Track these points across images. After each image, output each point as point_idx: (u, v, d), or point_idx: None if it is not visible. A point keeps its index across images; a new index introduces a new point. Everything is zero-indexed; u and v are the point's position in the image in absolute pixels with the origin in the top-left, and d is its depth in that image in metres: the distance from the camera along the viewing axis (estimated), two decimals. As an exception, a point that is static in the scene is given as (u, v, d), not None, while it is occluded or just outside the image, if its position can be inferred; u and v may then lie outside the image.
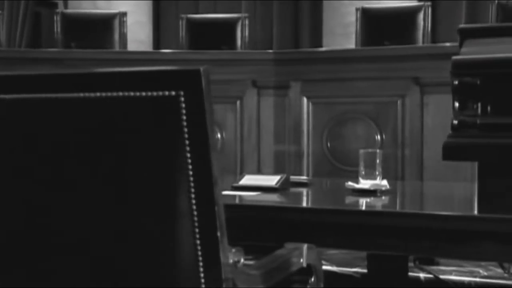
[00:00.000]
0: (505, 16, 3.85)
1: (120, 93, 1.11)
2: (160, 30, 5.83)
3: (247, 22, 4.47)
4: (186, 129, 1.10)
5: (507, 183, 1.48)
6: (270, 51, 3.84)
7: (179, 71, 1.10)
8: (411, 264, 2.47)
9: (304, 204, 1.79)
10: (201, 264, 1.14)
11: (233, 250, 1.18)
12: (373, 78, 3.41)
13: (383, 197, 1.79)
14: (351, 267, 2.59)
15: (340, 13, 5.01)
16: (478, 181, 1.51)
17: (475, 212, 1.55)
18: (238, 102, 3.59)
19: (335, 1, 5.06)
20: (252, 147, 3.58)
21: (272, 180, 1.94)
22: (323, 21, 5.25)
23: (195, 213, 1.12)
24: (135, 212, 1.15)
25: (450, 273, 2.47)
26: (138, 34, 5.37)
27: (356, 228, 1.54)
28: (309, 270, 1.49)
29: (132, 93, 1.11)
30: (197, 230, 1.13)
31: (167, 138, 1.12)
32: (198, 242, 1.13)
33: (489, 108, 1.47)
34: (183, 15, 4.54)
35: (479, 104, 1.46)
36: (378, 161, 1.89)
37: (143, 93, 1.10)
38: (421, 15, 4.16)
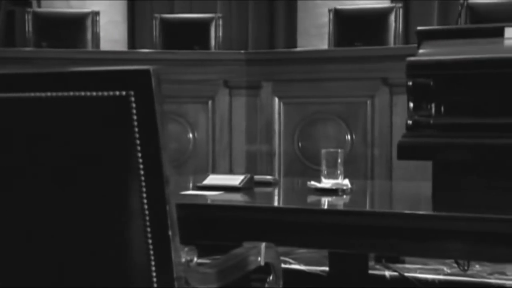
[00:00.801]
0: (474, 17, 3.91)
1: (71, 93, 1.11)
2: (135, 30, 5.81)
3: (221, 22, 4.47)
4: (136, 129, 1.11)
5: (460, 181, 1.51)
6: (242, 51, 3.85)
7: (129, 71, 1.10)
8: (371, 263, 2.51)
9: (264, 203, 1.80)
10: (153, 263, 1.15)
11: (186, 249, 1.19)
12: (344, 78, 3.44)
13: (344, 196, 1.81)
14: (319, 265, 2.61)
15: (314, 14, 5.04)
16: (433, 180, 1.54)
17: (431, 210, 1.58)
18: (210, 102, 3.59)
19: (309, 2, 5.09)
20: (224, 147, 3.59)
21: (235, 180, 1.95)
22: (297, 21, 5.28)
23: (146, 212, 1.13)
24: (87, 212, 1.16)
25: (415, 271, 2.51)
26: (112, 34, 5.35)
27: (315, 227, 1.56)
28: (267, 268, 1.51)
29: (83, 93, 1.11)
30: (148, 229, 1.14)
31: (118, 138, 1.13)
32: (150, 241, 1.14)
33: (442, 108, 1.50)
34: (157, 15, 4.53)
35: (433, 105, 1.49)
36: (340, 160, 1.92)
37: (94, 93, 1.11)
38: (392, 17, 4.21)
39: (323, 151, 1.93)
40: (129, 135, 1.11)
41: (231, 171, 3.50)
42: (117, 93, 1.10)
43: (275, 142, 3.53)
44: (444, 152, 1.49)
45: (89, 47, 4.32)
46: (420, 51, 1.64)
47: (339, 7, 4.37)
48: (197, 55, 3.77)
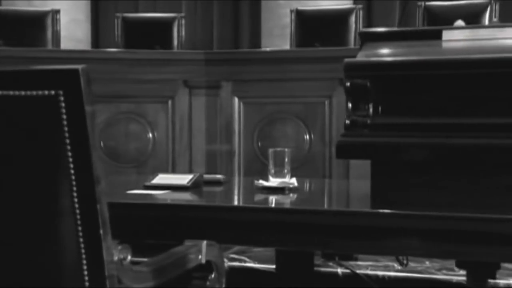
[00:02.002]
0: (431, 18, 4.00)
1: (0, 92, 1.11)
2: (99, 29, 5.77)
3: (183, 22, 4.47)
4: (66, 129, 1.11)
5: (397, 180, 1.55)
6: (201, 51, 3.86)
7: (57, 71, 1.11)
8: (318, 261, 2.55)
9: (209, 202, 1.82)
10: (84, 262, 1.15)
11: (119, 247, 1.20)
12: (303, 78, 3.48)
13: (291, 195, 1.84)
14: (274, 264, 2.64)
15: (277, 14, 5.08)
16: (371, 178, 1.58)
17: (369, 208, 1.61)
18: (169, 102, 3.59)
19: (273, 2, 5.13)
20: (184, 147, 3.59)
21: (184, 179, 1.96)
22: (261, 22, 5.31)
23: (77, 212, 1.14)
24: (18, 212, 1.16)
25: (366, 267, 2.55)
26: (75, 33, 5.31)
27: (258, 225, 1.58)
28: (209, 266, 1.52)
29: (11, 92, 1.11)
30: (79, 228, 1.15)
31: (48, 138, 1.13)
32: (81, 240, 1.15)
33: (379, 108, 1.54)
34: (119, 14, 4.51)
35: (370, 105, 1.53)
36: (286, 159, 1.94)
37: (23, 92, 1.11)
38: (353, 18, 4.27)
39: (270, 150, 1.95)
40: (59, 134, 1.11)
41: (191, 171, 3.51)
42: (46, 92, 1.10)
43: (235, 142, 3.55)
44: (380, 152, 1.53)
45: (49, 46, 4.27)
46: (360, 52, 1.68)
47: (300, 8, 4.42)
48: (158, 54, 3.77)
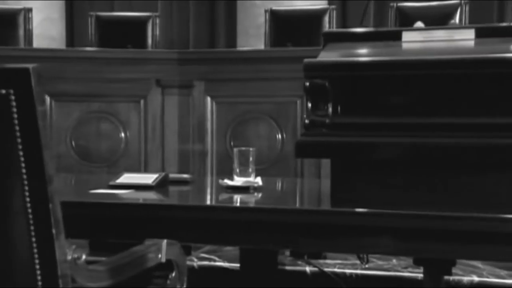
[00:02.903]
0: (403, 19, 4.04)
1: (-50, 92, 1.11)
2: (74, 28, 5.73)
3: (157, 21, 4.46)
4: (17, 128, 1.11)
5: (356, 179, 1.57)
6: (174, 50, 3.86)
7: (8, 70, 1.11)
8: (286, 260, 2.57)
9: (172, 201, 1.83)
10: (37, 261, 1.15)
11: (73, 246, 1.20)
12: (274, 78, 3.50)
13: (255, 194, 1.85)
14: (243, 262, 2.65)
15: (253, 14, 5.09)
16: (331, 177, 1.60)
17: (328, 206, 1.64)
18: (142, 101, 3.59)
19: (248, 2, 5.14)
20: (156, 146, 3.59)
21: (149, 178, 1.96)
22: (237, 21, 5.32)
23: (29, 211, 1.14)
24: (-31, 211, 1.15)
25: (334, 266, 2.58)
26: (49, 31, 5.27)
27: (218, 223, 1.59)
28: (170, 265, 1.53)
29: (-38, 92, 1.11)
30: (32, 228, 1.14)
31: (-1, 137, 1.13)
32: (33, 240, 1.15)
33: (338, 108, 1.56)
34: (92, 13, 4.48)
35: (329, 105, 1.55)
36: (251, 159, 1.96)
37: (-27, 92, 1.10)
38: (326, 18, 4.30)
39: (235, 149, 1.97)
40: (10, 134, 1.11)
41: (163, 170, 3.50)
42: (-3, 92, 1.10)
43: (207, 141, 3.56)
44: (338, 151, 1.55)
45: (22, 44, 4.24)
46: (322, 53, 1.70)
47: (275, 8, 4.44)
48: (130, 54, 3.75)
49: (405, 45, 1.69)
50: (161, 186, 1.93)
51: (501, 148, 1.47)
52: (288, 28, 4.31)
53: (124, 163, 3.53)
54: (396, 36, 1.72)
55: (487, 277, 2.42)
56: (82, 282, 1.22)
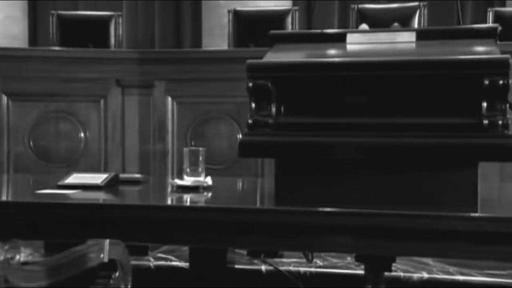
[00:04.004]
0: (364, 21, 4.09)
1: None
2: (37, 27, 5.65)
3: (120, 20, 4.44)
4: None
5: (299, 177, 1.60)
6: (135, 50, 3.84)
7: None
8: (239, 257, 2.58)
9: (116, 201, 1.82)
10: (-33, 262, 1.14)
11: (6, 247, 1.19)
12: (235, 78, 3.50)
13: (205, 193, 1.86)
14: (200, 262, 2.66)
15: (218, 14, 5.10)
16: (275, 176, 1.62)
17: (273, 205, 1.66)
18: (102, 101, 3.57)
19: (213, 2, 5.15)
20: (117, 146, 3.57)
21: (98, 178, 1.95)
22: (202, 21, 5.32)
23: (-40, 211, 1.13)
24: None
25: (289, 264, 2.61)
26: (11, 29, 5.20)
27: (164, 223, 1.59)
28: (113, 265, 1.53)
29: None
30: (-38, 228, 1.14)
31: None
32: (-37, 240, 1.14)
33: (280, 108, 1.58)
34: (53, 12, 4.43)
35: (272, 105, 1.57)
36: (201, 158, 1.97)
37: None
38: (289, 19, 4.33)
39: (185, 149, 1.97)
40: None
41: (124, 171, 3.49)
42: None
43: (168, 141, 3.56)
44: (281, 150, 1.57)
45: (-20, 43, 4.17)
46: (268, 53, 1.72)
47: (238, 8, 4.45)
48: (90, 53, 3.73)
49: (348, 47, 1.72)
50: (110, 186, 1.92)
51: (438, 148, 1.51)
52: (251, 28, 4.33)
53: (84, 163, 3.51)
54: (341, 38, 1.76)
55: (437, 274, 2.47)
56: (16, 282, 1.21)
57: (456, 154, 1.48)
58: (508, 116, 1.44)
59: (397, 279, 2.40)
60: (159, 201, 1.85)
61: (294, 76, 1.56)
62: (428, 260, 2.59)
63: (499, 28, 1.63)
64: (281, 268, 2.57)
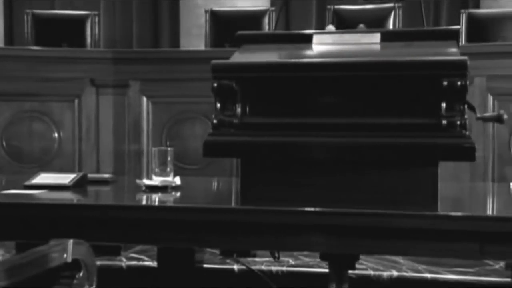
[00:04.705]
0: (339, 21, 4.12)
1: None
2: (13, 26, 5.60)
3: (97, 20, 4.41)
4: None
5: (264, 177, 1.61)
6: (109, 50, 3.83)
7: None
8: (212, 257, 2.59)
9: (82, 201, 1.82)
10: None
11: (-37, 247, 1.19)
12: (210, 79, 3.50)
13: (173, 193, 1.86)
14: (172, 262, 2.66)
15: (195, 14, 5.10)
16: (240, 176, 1.63)
17: (239, 204, 1.67)
18: (76, 101, 3.55)
19: (190, 2, 5.15)
20: (91, 147, 3.56)
21: (66, 178, 1.95)
22: (180, 21, 5.32)
23: None
24: None
25: (261, 263, 2.62)
26: (-14, 29, 5.14)
27: (129, 222, 1.59)
28: (77, 265, 1.52)
29: None
30: None
31: None
32: None
33: (245, 108, 1.59)
34: (28, 11, 4.40)
35: (237, 105, 1.58)
36: (169, 158, 1.97)
37: None
38: (266, 19, 4.34)
39: (154, 149, 1.98)
40: None
41: (98, 171, 3.48)
42: None
43: (143, 141, 3.55)
44: (245, 150, 1.58)
45: (-46, 42, 4.12)
46: (235, 54, 1.73)
47: (215, 8, 4.46)
48: (64, 52, 3.71)
49: (314, 48, 1.74)
50: (78, 186, 1.92)
51: (399, 147, 1.53)
52: (228, 29, 4.32)
53: (58, 164, 3.49)
54: (308, 39, 1.77)
55: (406, 272, 2.50)
56: (-26, 283, 1.21)
57: (416, 154, 1.50)
58: (466, 116, 1.47)
59: (367, 278, 2.43)
60: (126, 201, 1.85)
61: (258, 76, 1.57)
62: (399, 259, 2.62)
63: (461, 29, 1.66)
64: (254, 267, 2.58)
